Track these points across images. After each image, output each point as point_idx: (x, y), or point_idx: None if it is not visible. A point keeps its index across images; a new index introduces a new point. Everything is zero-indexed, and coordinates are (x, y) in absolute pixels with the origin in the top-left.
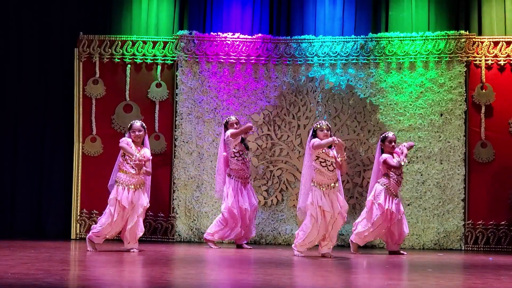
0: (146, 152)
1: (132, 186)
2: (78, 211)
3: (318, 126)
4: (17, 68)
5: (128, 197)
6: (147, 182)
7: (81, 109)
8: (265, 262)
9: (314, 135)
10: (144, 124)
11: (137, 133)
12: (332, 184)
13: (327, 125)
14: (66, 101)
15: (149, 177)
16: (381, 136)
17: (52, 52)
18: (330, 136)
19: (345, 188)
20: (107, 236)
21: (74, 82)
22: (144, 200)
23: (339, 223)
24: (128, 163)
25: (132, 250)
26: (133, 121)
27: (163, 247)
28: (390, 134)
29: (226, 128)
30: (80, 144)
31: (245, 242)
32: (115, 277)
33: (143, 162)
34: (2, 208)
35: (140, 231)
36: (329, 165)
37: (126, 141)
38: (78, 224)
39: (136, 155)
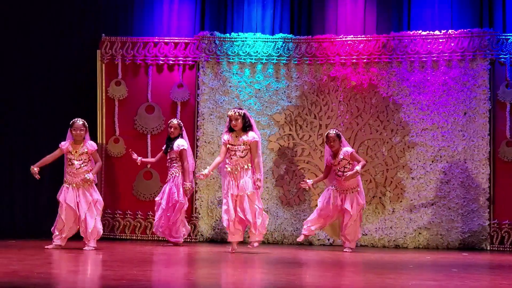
0: (92, 144)
1: (74, 185)
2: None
3: (228, 114)
4: (41, 69)
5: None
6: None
7: (104, 110)
8: (287, 262)
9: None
10: (86, 123)
11: (78, 131)
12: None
13: (237, 113)
14: (89, 102)
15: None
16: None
17: (75, 54)
18: (244, 123)
19: (367, 188)
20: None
21: (97, 83)
22: (93, 196)
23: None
24: (69, 165)
25: (84, 248)
26: (75, 119)
27: (186, 247)
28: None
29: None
30: (104, 145)
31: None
32: (138, 277)
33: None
34: (2, 208)
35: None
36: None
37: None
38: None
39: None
